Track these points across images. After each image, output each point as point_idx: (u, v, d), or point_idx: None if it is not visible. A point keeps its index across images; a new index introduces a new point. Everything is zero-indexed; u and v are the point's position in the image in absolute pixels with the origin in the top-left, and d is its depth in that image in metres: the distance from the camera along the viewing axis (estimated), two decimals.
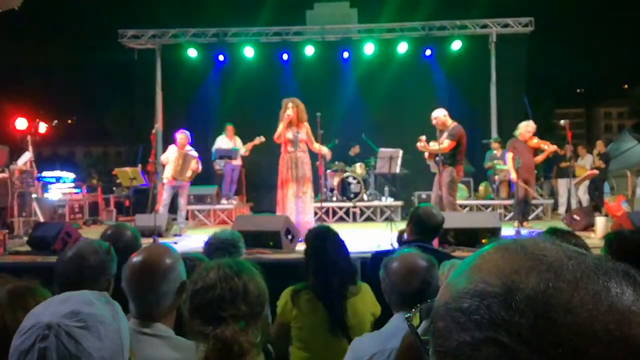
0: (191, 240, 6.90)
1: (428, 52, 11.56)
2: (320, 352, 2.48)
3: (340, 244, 2.77)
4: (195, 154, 8.21)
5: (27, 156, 8.62)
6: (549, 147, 7.58)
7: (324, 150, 6.84)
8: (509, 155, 7.45)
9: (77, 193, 10.37)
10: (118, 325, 1.10)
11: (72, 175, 11.54)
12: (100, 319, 1.06)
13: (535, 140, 7.53)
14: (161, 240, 6.35)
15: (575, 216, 7.14)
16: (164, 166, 8.25)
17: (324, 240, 2.72)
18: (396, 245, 3.90)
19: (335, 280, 2.54)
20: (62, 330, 1.00)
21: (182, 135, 8.17)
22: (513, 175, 7.37)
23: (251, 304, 1.61)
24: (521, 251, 0.51)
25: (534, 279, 0.47)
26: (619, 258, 0.51)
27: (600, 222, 6.30)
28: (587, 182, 10.73)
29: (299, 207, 6.47)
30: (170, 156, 8.07)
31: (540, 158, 7.81)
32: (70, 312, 1.03)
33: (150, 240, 5.82)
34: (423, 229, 3.15)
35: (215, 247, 2.89)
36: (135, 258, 1.84)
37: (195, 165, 8.11)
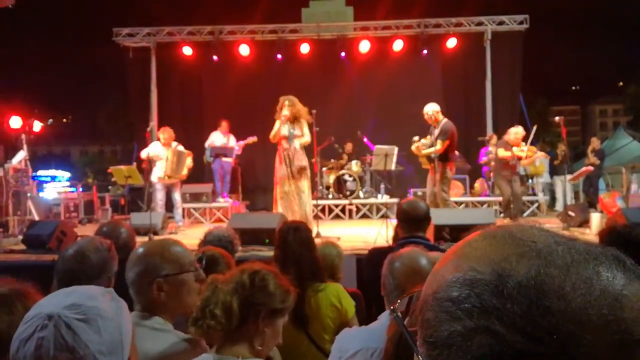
0: (186, 237, 6.86)
1: (425, 52, 11.53)
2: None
3: (308, 240, 2.80)
4: (184, 149, 8.16)
5: (21, 155, 8.59)
6: (526, 157, 7.67)
7: (305, 140, 6.68)
8: (500, 150, 7.60)
9: (73, 192, 10.34)
10: (120, 321, 1.10)
11: (67, 174, 11.54)
12: (101, 313, 1.06)
13: (517, 149, 7.50)
14: (157, 238, 6.33)
15: (570, 212, 7.16)
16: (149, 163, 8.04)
17: (288, 234, 2.77)
18: (391, 242, 3.91)
19: (292, 272, 2.55)
20: (62, 321, 1.01)
21: (166, 135, 8.03)
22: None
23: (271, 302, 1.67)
24: (509, 238, 0.50)
25: (525, 265, 0.46)
26: None
27: (595, 218, 6.33)
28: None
29: (299, 201, 6.50)
30: (160, 154, 7.93)
31: (525, 163, 8.14)
32: (72, 304, 1.05)
33: (146, 238, 5.81)
34: (411, 222, 3.21)
35: (210, 244, 2.89)
36: (138, 249, 1.88)
37: (190, 162, 8.07)
